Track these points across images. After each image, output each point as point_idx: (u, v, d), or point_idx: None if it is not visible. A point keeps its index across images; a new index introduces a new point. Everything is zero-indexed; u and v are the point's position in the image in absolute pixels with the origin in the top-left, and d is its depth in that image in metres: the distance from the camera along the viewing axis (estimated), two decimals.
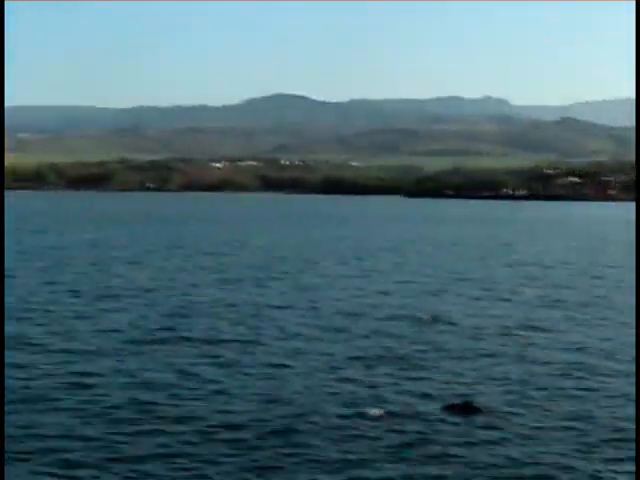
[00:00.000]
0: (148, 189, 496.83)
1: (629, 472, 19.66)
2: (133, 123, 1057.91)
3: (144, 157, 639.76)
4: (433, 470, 20.05)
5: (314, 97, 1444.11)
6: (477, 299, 48.24)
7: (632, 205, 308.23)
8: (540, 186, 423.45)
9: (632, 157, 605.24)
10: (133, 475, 19.62)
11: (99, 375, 28.32)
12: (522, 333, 36.54)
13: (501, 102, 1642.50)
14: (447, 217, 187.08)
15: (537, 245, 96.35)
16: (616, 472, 20.13)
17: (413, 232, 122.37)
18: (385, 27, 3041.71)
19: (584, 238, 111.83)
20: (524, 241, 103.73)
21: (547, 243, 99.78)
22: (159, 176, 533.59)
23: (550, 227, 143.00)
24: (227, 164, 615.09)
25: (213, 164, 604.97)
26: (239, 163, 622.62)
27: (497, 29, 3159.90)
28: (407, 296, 48.86)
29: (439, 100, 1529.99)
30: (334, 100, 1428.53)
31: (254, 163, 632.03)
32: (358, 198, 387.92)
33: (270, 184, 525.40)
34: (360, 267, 67.92)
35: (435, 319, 39.68)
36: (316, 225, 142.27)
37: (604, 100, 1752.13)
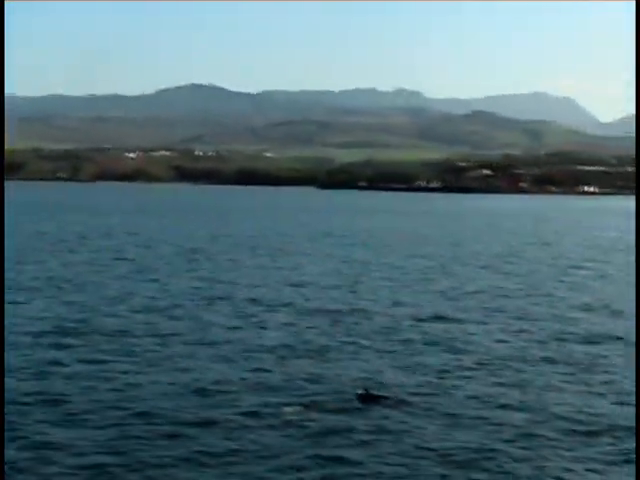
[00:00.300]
0: (60, 179, 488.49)
1: (538, 454, 20.21)
2: (45, 112, 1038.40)
3: (56, 146, 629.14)
4: (349, 457, 20.23)
5: (228, 87, 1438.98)
6: (391, 290, 48.55)
7: (544, 197, 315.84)
8: (453, 178, 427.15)
9: (543, 150, 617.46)
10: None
11: None
12: (433, 324, 36.88)
13: (414, 95, 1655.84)
14: (361, 209, 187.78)
15: (450, 237, 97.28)
16: (525, 448, 20.71)
17: (327, 224, 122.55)
18: (300, 20, 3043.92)
19: (495, 231, 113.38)
20: (439, 233, 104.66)
21: (460, 236, 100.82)
22: (71, 166, 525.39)
23: (462, 220, 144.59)
24: (140, 154, 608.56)
25: (126, 154, 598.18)
26: (152, 153, 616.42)
27: (410, 23, 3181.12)
28: (323, 288, 49.04)
29: (353, 92, 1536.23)
30: (248, 91, 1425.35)
31: (168, 153, 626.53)
32: (272, 189, 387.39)
33: (184, 175, 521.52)
34: (274, 259, 67.87)
35: (350, 311, 39.79)
36: (229, 217, 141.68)
37: (515, 94, 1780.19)
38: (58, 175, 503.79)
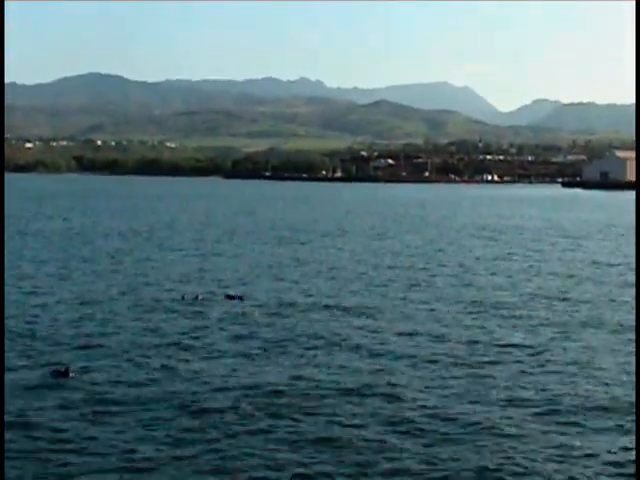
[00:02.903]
0: None
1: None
2: None
3: None
4: None
5: (129, 77, 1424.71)
6: (291, 280, 47.21)
7: (446, 186, 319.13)
8: (356, 168, 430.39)
9: (443, 140, 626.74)
10: None
11: None
12: (333, 312, 36.01)
13: (317, 84, 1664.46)
14: (265, 198, 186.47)
15: (349, 226, 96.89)
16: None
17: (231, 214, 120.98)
18: (203, 9, 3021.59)
19: (400, 221, 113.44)
20: (347, 222, 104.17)
21: (363, 225, 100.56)
22: None
23: (369, 209, 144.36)
24: (39, 144, 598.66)
25: (24, 144, 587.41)
26: (52, 143, 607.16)
27: (311, 11, 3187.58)
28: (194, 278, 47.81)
29: (256, 81, 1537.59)
30: (150, 80, 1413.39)
31: (67, 143, 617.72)
32: (176, 180, 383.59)
33: (85, 165, 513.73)
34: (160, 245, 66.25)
35: (244, 298, 38.69)
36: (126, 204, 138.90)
37: (417, 84, 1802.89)
38: None
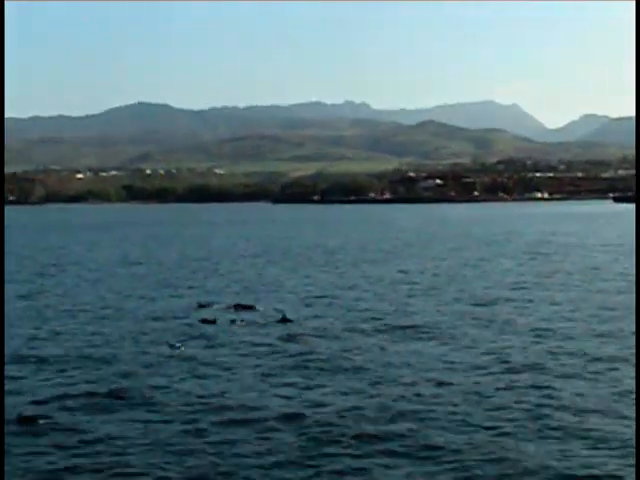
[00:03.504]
0: (9, 202, 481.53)
1: None
2: None
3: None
4: None
5: (175, 105, 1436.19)
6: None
7: (497, 205, 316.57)
8: (404, 189, 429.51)
9: (491, 159, 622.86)
10: None
11: None
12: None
13: (362, 106, 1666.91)
14: (328, 222, 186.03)
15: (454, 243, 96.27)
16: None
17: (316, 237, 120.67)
18: (241, 34, 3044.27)
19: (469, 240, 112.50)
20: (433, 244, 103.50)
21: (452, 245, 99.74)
22: (19, 188, 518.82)
23: (436, 230, 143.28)
24: (89, 174, 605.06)
25: (74, 175, 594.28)
26: (101, 173, 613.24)
27: (353, 34, 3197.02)
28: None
29: (301, 106, 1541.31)
30: (196, 108, 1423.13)
31: (117, 173, 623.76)
32: (226, 205, 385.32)
33: (134, 194, 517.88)
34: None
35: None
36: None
37: (463, 103, 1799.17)
38: (8, 198, 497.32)
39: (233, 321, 39.31)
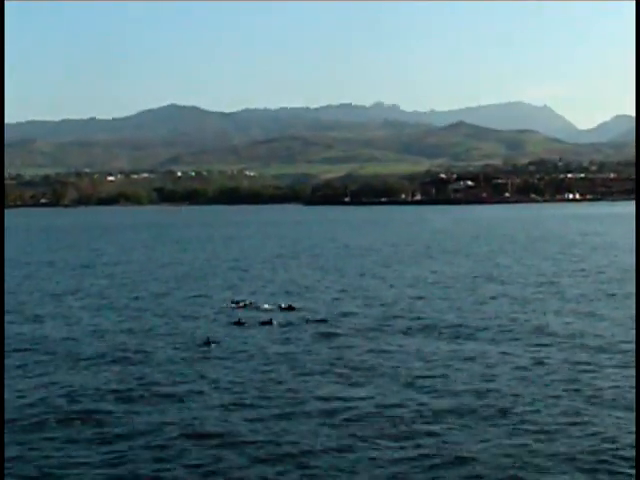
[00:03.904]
0: (42, 205, 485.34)
1: None
2: (22, 138, 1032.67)
3: (35, 172, 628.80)
4: None
5: (206, 107, 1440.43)
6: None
7: (529, 206, 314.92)
8: (436, 191, 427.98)
9: (522, 160, 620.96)
10: None
11: None
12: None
13: (392, 108, 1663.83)
14: (367, 223, 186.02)
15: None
16: None
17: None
18: (272, 36, 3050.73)
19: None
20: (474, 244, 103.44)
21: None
22: (52, 191, 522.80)
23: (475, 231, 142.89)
24: (120, 177, 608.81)
25: (106, 177, 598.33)
26: (133, 176, 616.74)
27: (384, 35, 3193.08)
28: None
29: (331, 108, 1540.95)
30: (226, 110, 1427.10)
31: (148, 175, 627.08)
32: (258, 207, 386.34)
33: (166, 196, 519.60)
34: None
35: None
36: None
37: (494, 104, 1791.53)
38: (41, 201, 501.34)
39: (268, 321, 39.30)
